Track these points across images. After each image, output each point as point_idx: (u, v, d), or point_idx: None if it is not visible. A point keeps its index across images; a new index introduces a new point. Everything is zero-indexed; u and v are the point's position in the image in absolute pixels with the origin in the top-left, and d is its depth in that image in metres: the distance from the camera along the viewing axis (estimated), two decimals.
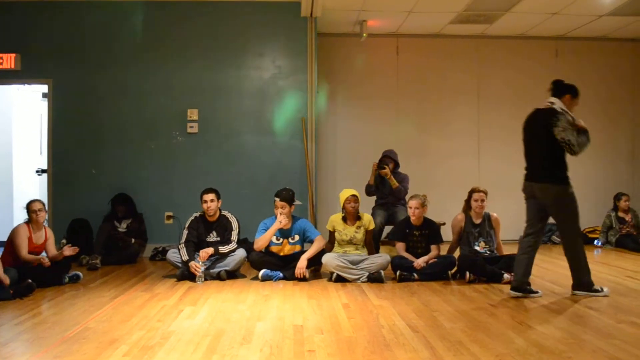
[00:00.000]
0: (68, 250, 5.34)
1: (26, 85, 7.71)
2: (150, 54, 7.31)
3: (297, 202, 5.76)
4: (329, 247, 5.73)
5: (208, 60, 7.34)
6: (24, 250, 5.19)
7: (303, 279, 5.38)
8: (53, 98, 7.24)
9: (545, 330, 3.59)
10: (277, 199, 5.58)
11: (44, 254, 5.45)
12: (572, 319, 3.91)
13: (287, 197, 5.61)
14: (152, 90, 7.31)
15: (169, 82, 7.31)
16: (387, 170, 6.41)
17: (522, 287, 4.61)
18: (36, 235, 5.35)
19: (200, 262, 5.39)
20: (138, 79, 7.29)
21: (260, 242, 5.58)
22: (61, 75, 7.22)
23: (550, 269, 6.01)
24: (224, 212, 5.84)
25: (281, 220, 5.54)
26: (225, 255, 5.60)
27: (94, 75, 7.25)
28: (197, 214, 5.81)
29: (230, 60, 7.37)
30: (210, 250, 5.52)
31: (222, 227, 5.77)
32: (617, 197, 7.73)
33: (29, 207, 5.35)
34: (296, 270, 5.38)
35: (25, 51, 7.17)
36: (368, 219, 5.75)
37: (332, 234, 5.75)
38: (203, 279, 5.34)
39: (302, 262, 5.41)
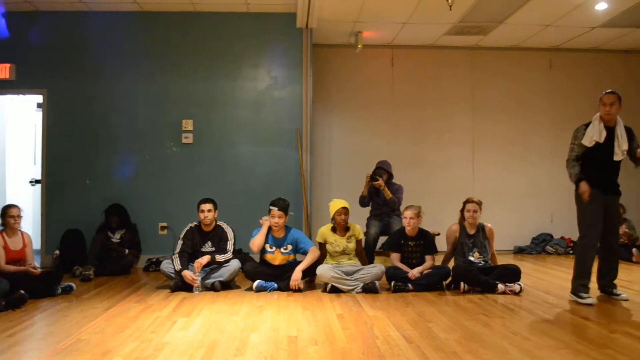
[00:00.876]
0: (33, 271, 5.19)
1: (21, 96, 7.70)
2: (146, 64, 7.32)
3: (290, 213, 5.77)
4: (321, 258, 5.71)
5: (203, 70, 7.36)
6: (1, 261, 5.02)
7: (297, 290, 5.37)
8: (47, 108, 7.23)
9: (539, 340, 3.59)
10: (275, 208, 5.58)
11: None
12: (566, 329, 3.91)
13: (284, 206, 5.63)
14: (147, 100, 7.31)
15: (163, 92, 7.32)
16: (380, 182, 6.39)
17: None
18: (12, 241, 5.21)
19: (196, 273, 5.38)
20: (133, 90, 7.30)
21: (255, 243, 5.58)
22: (56, 86, 7.22)
23: (545, 278, 6.02)
24: (220, 223, 5.83)
25: (264, 220, 5.62)
26: (220, 265, 5.58)
27: (89, 85, 7.26)
28: (192, 224, 5.80)
29: (226, 71, 7.39)
30: (205, 259, 5.49)
31: (218, 237, 5.76)
32: None
33: (6, 212, 5.20)
34: (291, 282, 5.38)
35: (20, 61, 7.18)
36: (357, 229, 5.75)
37: (322, 245, 5.74)
38: (200, 289, 5.33)
39: (297, 274, 5.41)
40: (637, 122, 8.58)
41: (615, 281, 5.00)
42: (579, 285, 4.76)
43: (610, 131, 4.78)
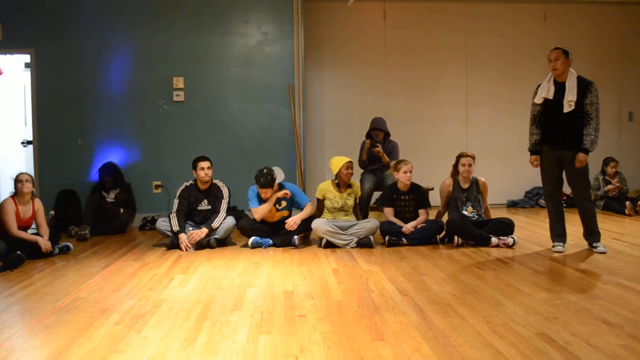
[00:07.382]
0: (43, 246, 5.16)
1: (8, 56, 7.55)
2: (135, 22, 7.17)
3: (281, 176, 5.72)
4: (317, 214, 5.75)
5: (193, 27, 7.22)
6: (13, 227, 5.09)
7: (292, 245, 5.42)
8: (36, 68, 7.11)
9: (531, 291, 3.65)
10: (264, 189, 5.52)
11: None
12: (559, 281, 3.97)
13: (267, 182, 5.49)
14: (137, 59, 7.20)
15: (154, 50, 7.20)
16: (379, 149, 6.39)
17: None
18: (23, 209, 5.26)
19: (190, 249, 5.37)
20: (123, 48, 7.17)
21: (260, 213, 5.56)
22: (44, 45, 7.08)
23: (538, 232, 6.08)
24: (215, 181, 5.84)
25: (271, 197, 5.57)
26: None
27: (77, 44, 7.12)
28: (187, 183, 5.79)
29: (216, 27, 7.26)
30: (203, 233, 5.46)
31: (214, 195, 5.77)
32: (605, 162, 7.78)
33: (16, 177, 5.27)
34: (288, 221, 5.43)
35: (6, 20, 7.02)
36: (357, 186, 5.80)
37: (321, 202, 5.76)
38: (194, 248, 5.37)
39: (296, 218, 5.48)
40: (633, 74, 8.66)
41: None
42: (551, 235, 5.17)
43: (561, 86, 4.84)
